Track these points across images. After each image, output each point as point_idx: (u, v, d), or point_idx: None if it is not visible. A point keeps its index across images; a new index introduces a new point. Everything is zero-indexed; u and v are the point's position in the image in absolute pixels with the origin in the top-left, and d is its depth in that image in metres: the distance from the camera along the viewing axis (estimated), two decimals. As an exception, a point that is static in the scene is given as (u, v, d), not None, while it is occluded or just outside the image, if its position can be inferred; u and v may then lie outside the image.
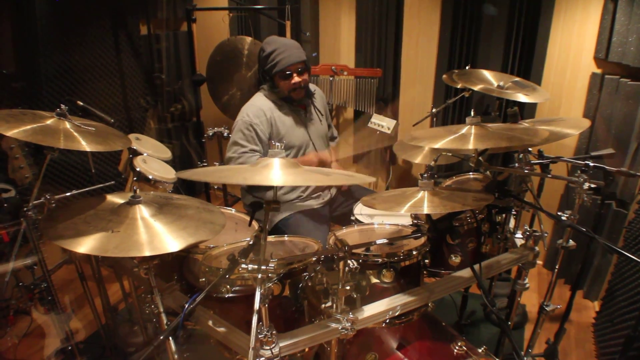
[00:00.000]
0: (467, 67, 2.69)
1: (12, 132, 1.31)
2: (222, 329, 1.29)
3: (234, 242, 1.56)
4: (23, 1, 2.53)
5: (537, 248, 1.67)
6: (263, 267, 1.09)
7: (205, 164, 3.32)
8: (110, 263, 1.95)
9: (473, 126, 1.47)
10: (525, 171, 1.64)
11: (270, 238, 1.64)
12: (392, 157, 3.31)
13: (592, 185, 1.56)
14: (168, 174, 2.06)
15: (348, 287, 1.25)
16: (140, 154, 2.01)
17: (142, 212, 1.23)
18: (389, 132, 3.05)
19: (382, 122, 3.08)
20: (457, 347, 1.50)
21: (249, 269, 1.13)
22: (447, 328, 1.67)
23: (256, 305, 1.05)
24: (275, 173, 1.17)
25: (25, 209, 1.59)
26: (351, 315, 1.27)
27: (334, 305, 1.27)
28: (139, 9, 3.40)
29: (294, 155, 2.29)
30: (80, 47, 2.94)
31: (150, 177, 1.94)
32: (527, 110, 2.77)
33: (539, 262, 3.00)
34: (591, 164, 1.60)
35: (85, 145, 1.42)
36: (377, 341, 1.55)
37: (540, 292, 2.74)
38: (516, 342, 1.32)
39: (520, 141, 1.52)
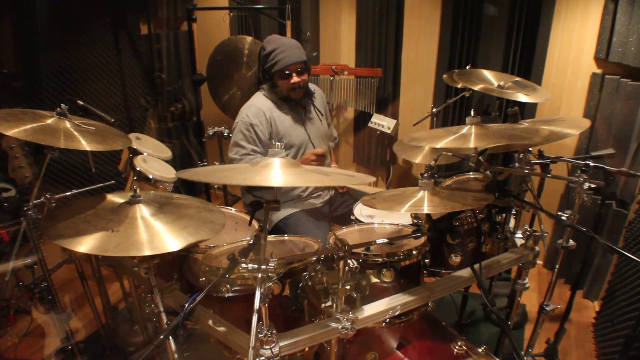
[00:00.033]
0: (467, 67, 2.68)
1: (13, 132, 1.31)
2: (222, 329, 1.29)
3: (234, 242, 1.56)
4: (23, 1, 2.53)
5: (537, 248, 1.67)
6: (263, 267, 1.09)
7: (206, 164, 3.32)
8: (110, 262, 1.95)
9: (473, 126, 1.47)
10: (526, 171, 1.64)
11: (270, 237, 1.64)
12: (392, 156, 3.31)
13: (592, 185, 1.56)
14: (168, 173, 2.06)
15: (348, 287, 1.25)
16: (141, 153, 2.01)
17: (142, 211, 1.23)
18: (389, 131, 3.05)
19: (382, 122, 3.08)
20: (457, 347, 1.50)
21: (249, 268, 1.13)
22: (447, 328, 1.67)
23: (256, 305, 1.05)
24: (275, 173, 1.17)
25: (25, 208, 1.59)
26: (351, 315, 1.27)
27: (334, 305, 1.27)
28: (140, 8, 3.41)
29: (294, 154, 2.29)
30: (81, 47, 2.94)
31: (151, 176, 1.94)
32: (527, 110, 2.77)
33: (539, 262, 3.00)
34: (591, 164, 1.60)
35: (85, 145, 1.42)
36: (377, 341, 1.55)
37: (540, 291, 2.74)
38: (516, 342, 1.32)
39: (521, 141, 1.52)
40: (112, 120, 1.88)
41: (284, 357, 1.20)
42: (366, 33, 3.19)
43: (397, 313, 1.40)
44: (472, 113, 1.53)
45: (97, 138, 1.48)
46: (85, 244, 1.09)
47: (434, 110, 2.66)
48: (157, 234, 1.16)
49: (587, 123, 1.71)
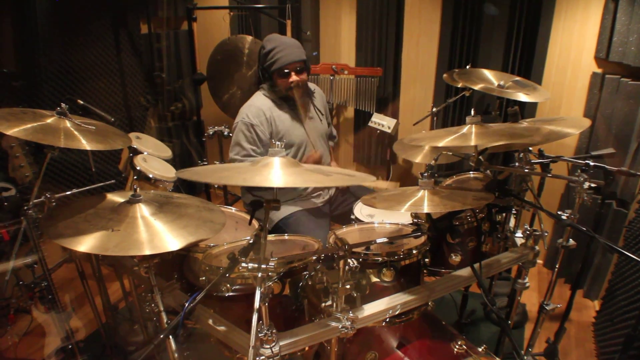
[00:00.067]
0: (467, 67, 2.68)
1: (13, 131, 1.31)
2: (222, 328, 1.29)
3: (234, 241, 1.56)
4: (23, 0, 2.53)
5: (537, 247, 1.67)
6: (263, 266, 1.09)
7: (206, 163, 3.32)
8: (110, 262, 1.95)
9: (473, 125, 1.47)
10: (526, 170, 1.64)
11: (271, 237, 1.64)
12: (392, 156, 3.31)
13: (593, 185, 1.56)
14: (168, 172, 2.06)
15: (348, 286, 1.25)
16: (141, 152, 2.01)
17: (143, 210, 1.23)
18: (389, 131, 3.05)
19: (382, 121, 3.08)
20: (457, 346, 1.50)
21: (249, 267, 1.13)
22: (447, 327, 1.67)
23: (256, 304, 1.05)
24: (275, 173, 1.16)
25: (25, 207, 1.59)
26: (351, 314, 1.27)
27: (334, 304, 1.27)
28: (140, 7, 3.41)
29: (294, 154, 2.29)
30: (81, 46, 2.95)
31: (151, 175, 1.94)
32: (527, 110, 2.77)
33: (539, 261, 3.00)
34: (591, 164, 1.60)
35: (85, 144, 1.41)
36: (377, 340, 1.55)
37: (541, 291, 2.74)
38: (516, 341, 1.32)
39: (521, 140, 1.52)
40: (112, 119, 1.88)
41: (284, 357, 1.20)
42: (366, 32, 3.19)
43: (397, 312, 1.40)
44: (473, 112, 1.53)
45: (97, 137, 1.48)
46: (86, 243, 1.09)
47: (434, 109, 2.66)
48: (157, 233, 1.16)
49: (587, 122, 1.71)
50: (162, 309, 1.24)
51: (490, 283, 2.33)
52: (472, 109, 1.61)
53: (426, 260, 1.53)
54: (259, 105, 2.23)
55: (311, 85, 2.39)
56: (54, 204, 1.69)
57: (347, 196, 2.45)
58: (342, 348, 1.42)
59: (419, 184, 1.44)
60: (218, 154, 2.97)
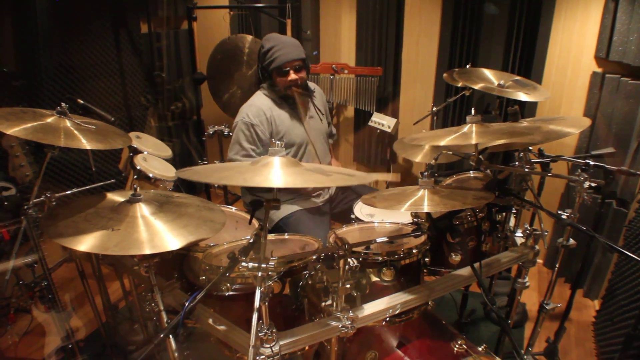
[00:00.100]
0: (467, 66, 2.68)
1: (13, 130, 1.31)
2: (222, 327, 1.29)
3: (234, 241, 1.56)
4: (23, 0, 2.53)
5: (537, 247, 1.67)
6: (263, 266, 1.09)
7: (206, 162, 3.32)
8: (110, 261, 1.95)
9: (474, 125, 1.47)
10: (526, 170, 1.64)
11: (271, 236, 1.64)
12: (392, 155, 3.31)
13: (593, 184, 1.56)
14: (168, 172, 2.06)
15: (348, 286, 1.25)
16: (141, 152, 2.01)
17: (143, 210, 1.23)
18: (389, 130, 3.05)
19: (382, 121, 3.08)
20: (457, 346, 1.50)
21: (249, 267, 1.13)
22: (447, 326, 1.67)
23: (256, 304, 1.05)
24: (275, 173, 1.16)
25: (25, 207, 1.59)
26: (351, 314, 1.27)
27: (334, 304, 1.27)
28: (140, 7, 3.40)
29: (294, 153, 2.29)
30: (81, 45, 2.94)
31: (151, 175, 1.94)
32: (527, 109, 2.77)
33: (539, 260, 3.00)
34: (591, 163, 1.60)
35: (85, 144, 1.41)
36: (377, 339, 1.55)
37: (541, 290, 2.74)
38: (516, 341, 1.32)
39: (521, 139, 1.52)
40: (112, 119, 1.87)
41: (284, 356, 1.20)
42: (366, 32, 3.19)
43: (397, 312, 1.40)
44: (473, 112, 1.53)
45: (98, 137, 1.48)
46: (86, 243, 1.09)
47: (434, 109, 2.66)
48: (157, 233, 1.16)
49: (587, 122, 1.71)
50: (162, 308, 1.24)
51: (490, 282, 2.33)
52: (472, 109, 1.61)
53: (426, 259, 1.53)
54: (259, 105, 2.23)
55: (311, 85, 2.39)
56: (54, 203, 1.69)
57: (347, 193, 2.45)
58: (342, 347, 1.42)
59: (419, 183, 1.44)
60: (218, 154, 2.97)
